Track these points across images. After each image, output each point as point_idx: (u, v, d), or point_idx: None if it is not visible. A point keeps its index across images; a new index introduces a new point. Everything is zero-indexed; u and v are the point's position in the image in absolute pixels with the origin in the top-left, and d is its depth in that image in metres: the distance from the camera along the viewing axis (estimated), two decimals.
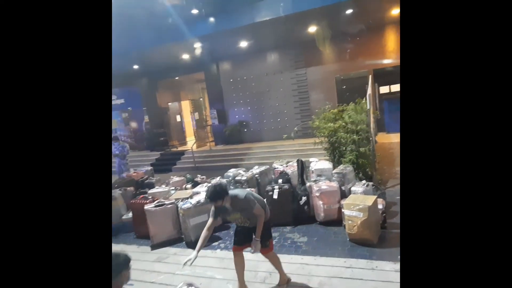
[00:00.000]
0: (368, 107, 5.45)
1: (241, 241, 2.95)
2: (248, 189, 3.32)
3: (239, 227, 2.99)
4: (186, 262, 2.61)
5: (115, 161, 8.27)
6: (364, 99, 5.80)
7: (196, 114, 12.96)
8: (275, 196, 4.54)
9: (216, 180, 5.44)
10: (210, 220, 2.81)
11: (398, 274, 2.96)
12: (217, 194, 2.68)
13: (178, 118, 14.25)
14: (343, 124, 5.68)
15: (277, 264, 3.03)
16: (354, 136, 5.49)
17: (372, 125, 5.47)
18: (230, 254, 3.69)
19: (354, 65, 10.16)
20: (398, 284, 2.79)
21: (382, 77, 9.96)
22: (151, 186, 6.16)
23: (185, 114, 14.42)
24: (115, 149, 8.16)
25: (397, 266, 3.10)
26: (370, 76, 8.18)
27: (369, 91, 5.51)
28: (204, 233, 2.78)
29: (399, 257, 3.24)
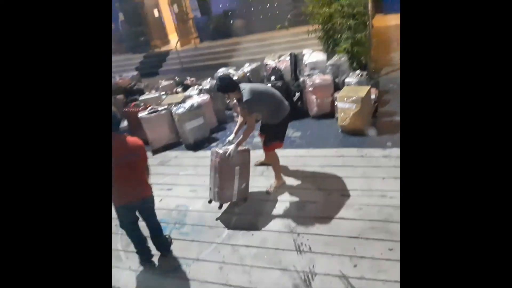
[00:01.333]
0: None
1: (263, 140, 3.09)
2: (262, 86, 3.04)
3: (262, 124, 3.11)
4: (228, 154, 2.73)
5: None
6: None
7: (175, 6, 11.51)
8: None
9: (223, 71, 5.32)
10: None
11: (387, 159, 3.22)
12: (221, 87, 2.82)
13: (156, 13, 12.73)
14: (339, 7, 5.12)
15: (275, 166, 3.15)
16: (351, 21, 5.04)
17: (369, 7, 4.94)
18: None
19: None
20: (386, 168, 3.06)
21: None
22: (141, 92, 5.99)
23: (163, 7, 12.79)
24: None
25: (386, 152, 3.32)
26: None
27: None
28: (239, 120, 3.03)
29: (388, 143, 3.45)
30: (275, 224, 2.69)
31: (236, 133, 3.00)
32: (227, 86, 2.81)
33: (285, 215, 2.77)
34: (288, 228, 2.60)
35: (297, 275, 2.17)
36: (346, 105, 3.75)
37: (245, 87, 2.80)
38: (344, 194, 2.85)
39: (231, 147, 2.76)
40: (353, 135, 3.83)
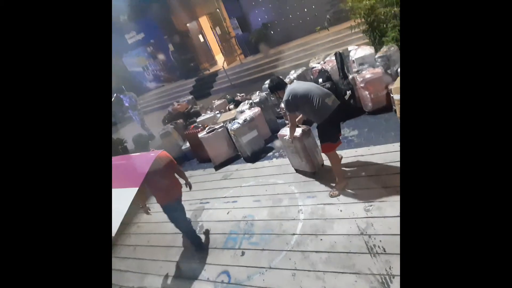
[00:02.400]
0: None
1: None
2: (304, 86, 2.98)
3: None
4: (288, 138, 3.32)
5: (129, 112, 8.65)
6: None
7: (217, 28, 12.21)
8: None
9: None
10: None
11: None
12: (271, 87, 3.20)
13: (201, 38, 13.64)
14: None
15: (334, 167, 3.11)
16: (395, 8, 4.78)
17: None
18: (285, 161, 3.97)
19: None
20: None
21: None
22: (198, 114, 6.45)
23: (206, 31, 13.66)
24: (124, 101, 8.39)
25: None
26: None
27: None
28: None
29: None
30: (343, 227, 2.64)
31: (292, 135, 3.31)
32: (276, 85, 3.15)
33: (353, 217, 2.71)
34: (358, 230, 2.53)
35: (373, 279, 2.10)
36: None
37: (289, 87, 2.98)
38: None
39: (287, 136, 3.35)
40: None
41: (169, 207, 3.04)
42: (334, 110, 2.89)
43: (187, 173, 5.09)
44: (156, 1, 12.21)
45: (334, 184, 3.14)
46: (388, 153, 3.33)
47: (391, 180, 2.91)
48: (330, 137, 2.98)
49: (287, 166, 3.94)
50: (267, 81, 5.60)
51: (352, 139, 3.95)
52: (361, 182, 3.09)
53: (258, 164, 4.40)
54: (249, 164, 4.51)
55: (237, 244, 2.99)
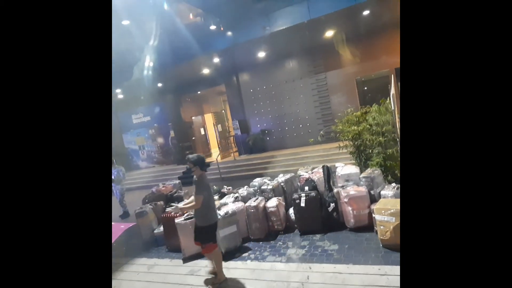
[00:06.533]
0: (392, 108, 5.30)
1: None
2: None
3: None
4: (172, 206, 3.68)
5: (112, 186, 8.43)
6: (387, 99, 5.65)
7: (219, 126, 13.23)
8: (303, 204, 4.50)
9: (258, 180, 5.69)
10: None
11: None
12: (195, 160, 3.52)
13: (202, 131, 14.60)
14: (368, 126, 5.56)
15: (217, 263, 3.55)
16: (380, 138, 5.35)
17: (398, 125, 5.30)
18: (261, 265, 3.71)
19: (375, 65, 9.96)
20: None
21: None
22: (180, 199, 6.30)
23: (208, 126, 14.76)
24: (112, 174, 8.32)
25: None
26: (392, 75, 7.97)
27: (393, 90, 5.36)
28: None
29: None
30: None
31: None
32: (200, 161, 3.55)
33: None
34: None
35: None
36: (385, 218, 3.61)
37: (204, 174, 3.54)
38: None
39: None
40: (397, 250, 3.51)
41: None
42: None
43: (152, 261, 4.64)
44: (171, 92, 13.58)
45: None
46: (367, 275, 3.17)
47: None
48: (213, 237, 3.51)
49: (260, 271, 3.66)
50: (255, 180, 5.76)
51: (332, 253, 3.80)
52: None
53: (231, 263, 4.07)
54: (221, 263, 4.16)
55: None
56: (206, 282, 3.63)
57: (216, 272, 3.58)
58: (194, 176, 3.60)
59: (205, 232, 3.48)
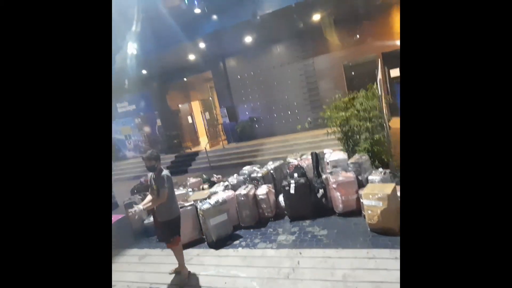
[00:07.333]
0: (379, 93, 5.33)
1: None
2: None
3: None
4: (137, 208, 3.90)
5: None
6: (374, 84, 5.68)
7: (207, 113, 13.06)
8: (292, 191, 4.53)
9: (248, 168, 5.69)
10: None
11: None
12: (156, 156, 3.45)
13: (190, 119, 14.39)
14: (355, 112, 5.59)
15: (179, 258, 3.62)
16: (368, 124, 5.40)
17: (385, 110, 5.35)
18: (252, 252, 3.75)
19: (362, 50, 9.94)
20: None
21: (392, 59, 9.67)
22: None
23: (196, 114, 14.55)
24: None
25: None
26: (379, 60, 7.99)
27: (379, 75, 5.39)
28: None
29: None
30: None
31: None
32: (159, 158, 3.49)
33: None
34: None
35: None
36: (373, 203, 3.67)
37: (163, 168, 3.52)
38: None
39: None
40: (384, 234, 3.61)
41: None
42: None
43: (143, 251, 4.63)
44: (157, 79, 13.24)
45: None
46: (356, 259, 3.25)
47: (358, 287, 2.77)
48: (178, 230, 3.56)
49: (252, 258, 3.70)
50: (245, 168, 5.76)
51: (321, 238, 3.88)
52: (329, 286, 2.91)
53: (222, 251, 4.11)
54: (212, 251, 4.20)
55: None
56: (173, 282, 3.62)
57: (180, 268, 3.63)
58: (152, 174, 3.54)
59: (172, 226, 3.47)
